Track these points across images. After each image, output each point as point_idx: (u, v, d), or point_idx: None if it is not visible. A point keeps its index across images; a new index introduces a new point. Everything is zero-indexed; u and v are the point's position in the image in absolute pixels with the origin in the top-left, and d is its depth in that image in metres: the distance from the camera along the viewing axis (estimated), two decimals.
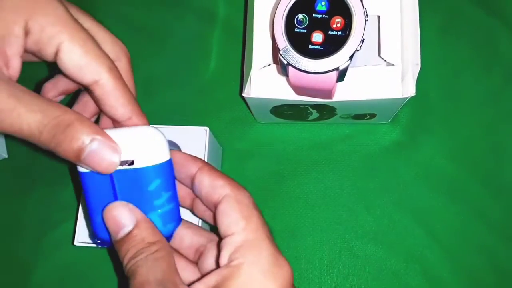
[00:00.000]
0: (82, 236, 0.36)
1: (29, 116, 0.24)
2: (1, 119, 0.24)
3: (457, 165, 0.43)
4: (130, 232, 0.26)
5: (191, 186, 0.28)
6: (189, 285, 0.25)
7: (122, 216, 0.26)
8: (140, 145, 0.26)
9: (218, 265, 0.25)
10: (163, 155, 0.27)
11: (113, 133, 0.26)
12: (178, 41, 0.48)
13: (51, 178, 0.44)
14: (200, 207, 0.30)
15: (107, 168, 0.26)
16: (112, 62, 0.27)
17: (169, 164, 0.27)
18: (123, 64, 0.31)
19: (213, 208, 0.27)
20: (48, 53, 0.26)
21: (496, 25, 0.45)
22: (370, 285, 0.41)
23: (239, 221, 0.25)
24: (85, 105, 0.31)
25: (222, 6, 0.48)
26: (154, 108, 0.45)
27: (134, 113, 0.28)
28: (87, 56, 0.26)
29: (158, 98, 0.46)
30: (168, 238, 0.28)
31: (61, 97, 0.32)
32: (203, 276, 0.25)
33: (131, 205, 0.26)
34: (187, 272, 0.29)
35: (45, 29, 0.25)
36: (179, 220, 0.28)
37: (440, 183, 0.42)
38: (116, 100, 0.27)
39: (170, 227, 0.28)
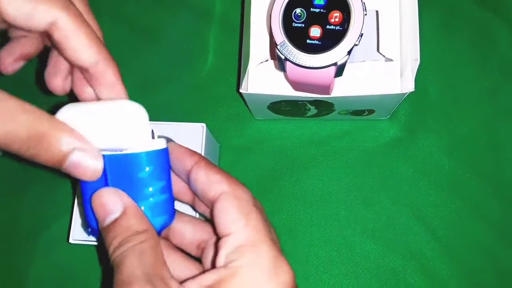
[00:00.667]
0: (77, 234, 0.36)
1: None
2: None
3: (456, 161, 0.42)
4: (116, 219, 0.25)
5: (187, 182, 0.27)
6: (183, 282, 0.24)
7: (110, 202, 0.25)
8: (131, 128, 0.25)
9: (214, 265, 0.24)
10: (158, 143, 0.26)
11: (101, 113, 0.24)
12: (175, 38, 0.47)
13: (46, 176, 0.44)
14: (201, 203, 0.29)
15: (92, 177, 0.24)
16: (66, 0, 0.24)
17: (163, 152, 0.26)
18: (80, 4, 0.27)
19: (210, 205, 0.26)
20: None
21: (495, 22, 0.45)
22: (369, 282, 0.41)
23: (237, 219, 0.24)
24: (56, 65, 0.28)
25: (218, 2, 0.47)
26: (151, 104, 0.44)
27: (101, 56, 0.25)
28: None
29: (155, 95, 0.46)
30: (159, 232, 0.26)
31: (21, 63, 0.29)
32: (200, 274, 0.24)
33: (120, 191, 0.25)
34: (186, 269, 0.28)
35: None
36: (172, 214, 0.27)
37: (439, 179, 0.42)
38: (78, 41, 0.24)
39: (160, 220, 0.26)
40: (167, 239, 0.29)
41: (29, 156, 0.23)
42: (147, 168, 0.26)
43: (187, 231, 0.29)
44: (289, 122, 0.44)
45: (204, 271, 0.25)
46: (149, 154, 0.25)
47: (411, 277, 0.41)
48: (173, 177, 0.28)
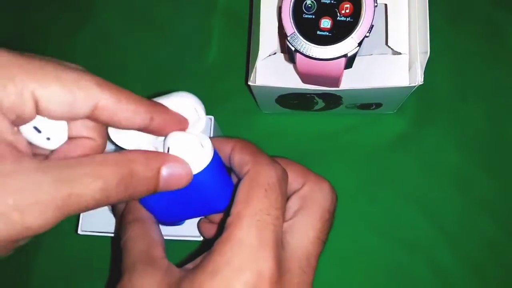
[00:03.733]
0: (86, 225, 0.36)
1: (88, 190, 0.21)
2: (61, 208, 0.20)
3: (464, 156, 0.42)
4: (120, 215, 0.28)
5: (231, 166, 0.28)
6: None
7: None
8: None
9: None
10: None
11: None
12: (181, 31, 0.47)
13: None
14: None
15: (187, 182, 0.25)
16: (96, 76, 0.23)
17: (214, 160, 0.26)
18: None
19: None
20: (28, 110, 0.20)
21: (505, 16, 0.45)
22: (375, 277, 0.41)
23: (239, 203, 0.24)
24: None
25: None
26: (158, 97, 0.45)
27: (151, 110, 0.24)
28: (67, 85, 0.21)
29: (162, 88, 0.45)
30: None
31: None
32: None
33: None
34: None
35: (7, 86, 0.20)
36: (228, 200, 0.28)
37: (446, 174, 0.42)
38: (127, 111, 0.23)
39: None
40: None
41: (128, 197, 0.22)
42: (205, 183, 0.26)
43: None
44: (296, 116, 0.44)
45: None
46: (202, 173, 0.26)
47: (418, 272, 0.40)
48: None
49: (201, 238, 0.35)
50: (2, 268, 0.43)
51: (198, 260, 0.25)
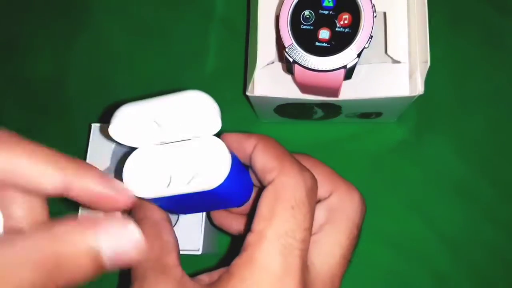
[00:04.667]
0: None
1: None
2: None
3: (465, 164, 0.42)
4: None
5: (250, 165, 0.25)
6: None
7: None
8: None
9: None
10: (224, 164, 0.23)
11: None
12: (180, 40, 0.47)
13: None
14: None
15: (141, 252, 0.21)
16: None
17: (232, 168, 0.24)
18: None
19: None
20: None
21: (505, 23, 0.44)
22: (377, 285, 0.40)
23: (262, 219, 0.22)
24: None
25: (223, 4, 0.47)
26: None
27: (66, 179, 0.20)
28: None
29: (159, 95, 0.45)
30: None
31: None
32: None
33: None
34: None
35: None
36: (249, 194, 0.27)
37: (447, 182, 0.42)
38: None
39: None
40: None
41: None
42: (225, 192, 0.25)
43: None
44: (295, 125, 0.44)
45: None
46: (218, 187, 0.23)
47: (419, 280, 0.40)
48: None
49: (200, 252, 0.34)
50: None
51: (214, 275, 0.23)
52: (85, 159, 0.38)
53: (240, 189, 0.26)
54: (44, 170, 0.18)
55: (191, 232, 0.34)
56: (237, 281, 0.21)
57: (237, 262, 0.22)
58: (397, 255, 0.41)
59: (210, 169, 0.23)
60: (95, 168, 0.21)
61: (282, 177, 0.23)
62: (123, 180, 0.24)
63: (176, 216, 0.35)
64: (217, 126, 0.23)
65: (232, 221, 0.29)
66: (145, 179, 0.24)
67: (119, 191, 0.21)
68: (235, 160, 0.24)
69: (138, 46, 0.48)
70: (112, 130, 0.23)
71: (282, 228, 0.22)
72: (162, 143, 0.25)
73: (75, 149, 0.43)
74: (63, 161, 0.19)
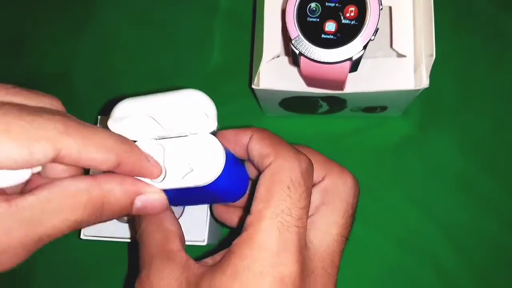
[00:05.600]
0: (88, 230, 0.36)
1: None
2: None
3: (469, 159, 0.42)
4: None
5: (248, 158, 0.26)
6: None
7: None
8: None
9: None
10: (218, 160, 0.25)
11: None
12: (185, 34, 0.47)
13: None
14: None
15: (162, 209, 0.25)
16: (61, 120, 0.21)
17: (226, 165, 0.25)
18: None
19: None
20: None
21: (510, 19, 0.44)
22: (380, 279, 0.40)
23: (260, 201, 0.23)
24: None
25: None
26: None
27: (119, 157, 0.23)
28: (20, 138, 0.19)
29: (164, 89, 0.45)
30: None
31: None
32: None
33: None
34: None
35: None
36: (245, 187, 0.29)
37: (451, 177, 0.42)
38: (91, 160, 0.22)
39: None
40: None
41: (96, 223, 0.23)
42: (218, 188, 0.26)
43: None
44: (300, 119, 0.44)
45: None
46: (213, 182, 0.25)
47: (422, 274, 0.40)
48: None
49: (205, 243, 0.34)
50: (4, 274, 0.43)
51: (217, 256, 0.24)
52: None
53: (235, 184, 0.27)
54: (103, 155, 0.21)
55: (196, 224, 0.35)
56: (237, 259, 0.22)
57: (237, 241, 0.23)
58: (400, 249, 0.41)
59: (204, 165, 0.24)
60: (136, 146, 0.24)
61: (278, 160, 0.24)
62: None
63: (182, 208, 0.35)
64: (213, 125, 0.24)
65: (233, 215, 0.30)
66: None
67: (154, 164, 0.24)
68: (229, 157, 0.25)
69: (144, 41, 0.48)
70: (111, 124, 0.24)
71: (279, 207, 0.23)
72: (159, 138, 0.25)
73: None
74: (118, 143, 0.22)
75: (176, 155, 0.25)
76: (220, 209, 0.31)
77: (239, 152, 0.26)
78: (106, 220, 0.23)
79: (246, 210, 0.27)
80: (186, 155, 0.25)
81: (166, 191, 0.25)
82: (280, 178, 0.23)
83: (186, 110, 0.23)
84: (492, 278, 0.40)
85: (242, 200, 0.29)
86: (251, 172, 0.29)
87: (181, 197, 0.27)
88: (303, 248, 0.23)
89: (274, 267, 0.22)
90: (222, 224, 0.31)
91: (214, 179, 0.24)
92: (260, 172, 0.25)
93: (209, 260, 0.24)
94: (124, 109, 0.24)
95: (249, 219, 0.23)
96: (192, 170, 0.24)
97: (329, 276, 0.25)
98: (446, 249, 0.41)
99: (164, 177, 0.25)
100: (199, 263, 0.24)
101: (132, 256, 0.42)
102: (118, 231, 0.35)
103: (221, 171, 0.24)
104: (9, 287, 0.43)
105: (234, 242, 0.23)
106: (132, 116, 0.24)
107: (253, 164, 0.26)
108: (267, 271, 0.22)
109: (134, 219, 0.27)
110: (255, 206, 0.23)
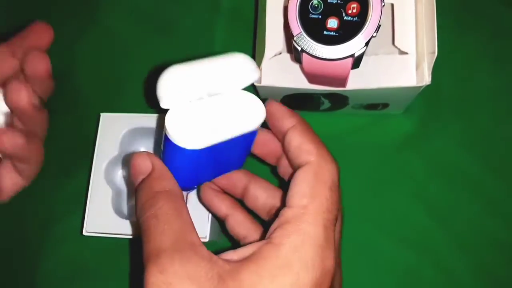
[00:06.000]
0: (91, 226, 0.36)
1: None
2: None
3: (471, 157, 0.42)
4: (143, 179, 0.25)
5: (282, 141, 0.27)
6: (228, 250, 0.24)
7: (141, 164, 0.25)
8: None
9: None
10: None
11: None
12: (186, 31, 0.47)
13: (58, 167, 0.44)
14: (284, 167, 0.29)
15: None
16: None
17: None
18: None
19: (294, 171, 0.26)
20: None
21: None
22: (383, 278, 0.40)
23: (303, 196, 0.23)
24: None
25: None
26: None
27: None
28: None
29: None
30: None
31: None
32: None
33: (151, 155, 0.26)
34: (246, 229, 0.29)
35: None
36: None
37: (454, 175, 0.42)
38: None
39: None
40: (242, 200, 0.31)
41: None
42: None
43: (260, 195, 0.30)
44: (302, 116, 0.44)
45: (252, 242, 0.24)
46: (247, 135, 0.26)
47: (426, 273, 0.40)
48: (262, 135, 0.29)
49: (207, 240, 0.34)
50: (7, 269, 0.43)
51: (244, 251, 0.23)
52: (93, 148, 0.38)
53: (249, 149, 0.29)
54: None
55: (198, 220, 0.35)
56: (288, 251, 0.22)
57: (282, 233, 0.23)
58: (403, 248, 0.41)
59: (248, 115, 0.26)
60: None
61: (321, 160, 0.25)
62: (169, 133, 0.24)
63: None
64: (254, 77, 0.27)
65: (222, 204, 0.31)
66: (190, 131, 0.24)
67: None
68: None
69: (146, 39, 0.48)
70: (165, 101, 0.25)
71: (323, 205, 0.24)
72: (199, 98, 0.26)
73: (83, 138, 0.43)
74: None
75: (219, 111, 0.26)
76: (210, 194, 0.31)
77: (274, 128, 0.28)
78: None
79: (282, 203, 0.28)
80: (229, 110, 0.26)
81: (206, 153, 0.25)
82: (324, 179, 0.24)
83: (235, 75, 0.26)
84: (496, 277, 0.40)
85: (230, 187, 0.31)
86: (268, 155, 0.30)
87: (214, 159, 0.27)
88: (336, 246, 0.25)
89: (322, 260, 0.22)
90: (208, 210, 0.32)
91: (259, 125, 0.26)
92: (292, 164, 0.26)
93: (231, 255, 0.23)
94: (175, 75, 0.26)
95: (291, 212, 0.23)
96: (236, 122, 0.25)
97: (339, 268, 0.27)
98: (449, 247, 0.41)
99: (215, 130, 0.25)
100: (223, 258, 0.23)
101: (134, 253, 0.42)
102: (120, 227, 0.35)
103: (263, 118, 0.26)
104: (12, 283, 0.43)
105: (275, 234, 0.23)
106: (183, 81, 0.25)
107: (284, 150, 0.27)
108: (317, 264, 0.22)
109: (136, 215, 0.26)
110: (299, 200, 0.24)
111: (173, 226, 0.22)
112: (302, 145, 0.25)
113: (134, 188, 0.26)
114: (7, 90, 0.31)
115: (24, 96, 0.31)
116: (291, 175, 0.25)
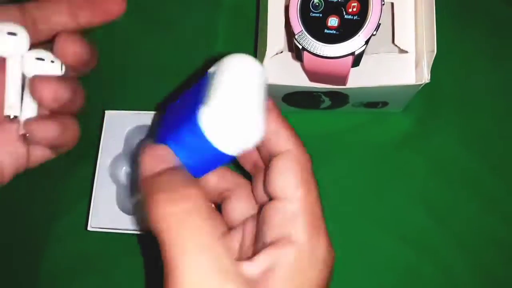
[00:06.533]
0: (96, 221, 0.36)
1: None
2: None
3: (470, 155, 0.42)
4: (167, 170, 0.22)
5: None
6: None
7: (165, 154, 0.23)
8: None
9: (259, 227, 0.23)
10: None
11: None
12: (188, 28, 0.48)
13: (63, 162, 0.44)
14: (246, 155, 0.28)
15: None
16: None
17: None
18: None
19: (267, 158, 0.25)
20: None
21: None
22: (383, 276, 0.41)
23: (296, 186, 0.23)
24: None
25: None
26: (163, 92, 0.45)
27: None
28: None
29: (168, 85, 0.46)
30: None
31: None
32: (254, 255, 0.22)
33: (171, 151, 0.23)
34: None
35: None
36: None
37: (453, 173, 0.42)
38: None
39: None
40: None
41: None
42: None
43: (211, 179, 0.28)
44: (302, 114, 0.44)
45: (260, 248, 0.23)
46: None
47: (425, 271, 0.40)
48: None
49: None
50: (11, 264, 0.44)
51: (263, 261, 0.22)
52: (98, 145, 0.39)
53: None
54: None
55: None
56: (304, 245, 0.22)
57: (287, 232, 0.23)
58: (402, 247, 0.41)
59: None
60: None
61: (299, 149, 0.24)
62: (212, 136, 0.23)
63: None
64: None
65: None
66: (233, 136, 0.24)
67: None
68: None
69: (147, 35, 0.48)
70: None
71: (315, 193, 0.24)
72: None
73: (87, 136, 0.44)
74: None
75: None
76: None
77: None
78: None
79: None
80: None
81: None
82: (307, 167, 0.24)
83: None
84: (494, 274, 0.40)
85: None
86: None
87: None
88: None
89: (330, 253, 0.23)
90: None
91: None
92: (267, 151, 0.25)
93: (251, 269, 0.22)
94: None
95: (290, 206, 0.23)
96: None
97: None
98: (448, 245, 0.41)
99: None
100: (246, 274, 0.21)
101: (144, 248, 0.42)
102: (124, 223, 0.36)
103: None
104: (16, 278, 0.44)
105: (281, 234, 0.23)
106: None
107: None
108: (327, 257, 0.23)
109: (140, 209, 0.26)
110: (295, 192, 0.23)
111: (204, 236, 0.21)
112: (279, 131, 0.25)
113: (146, 176, 0.22)
114: (57, 41, 0.30)
115: (75, 47, 0.31)
116: (266, 163, 0.25)
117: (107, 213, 0.36)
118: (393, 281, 0.41)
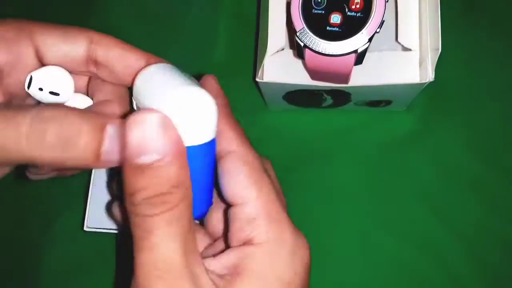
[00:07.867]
0: (92, 222, 0.36)
1: None
2: None
3: (474, 155, 0.42)
4: (155, 162, 0.18)
5: None
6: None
7: (156, 139, 0.19)
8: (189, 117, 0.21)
9: (226, 237, 0.23)
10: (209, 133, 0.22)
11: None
12: (189, 27, 0.47)
13: None
14: None
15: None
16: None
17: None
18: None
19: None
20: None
21: None
22: (386, 274, 0.40)
23: (249, 187, 0.22)
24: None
25: None
26: None
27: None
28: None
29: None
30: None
31: None
32: (219, 253, 0.23)
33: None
34: None
35: None
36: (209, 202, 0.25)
37: (457, 173, 0.42)
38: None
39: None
40: None
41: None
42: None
43: None
44: (304, 113, 0.44)
45: (224, 249, 0.23)
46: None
47: (428, 270, 0.40)
48: None
49: None
50: (9, 264, 0.43)
51: (227, 260, 0.22)
52: None
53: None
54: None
55: None
56: (290, 236, 0.23)
57: (251, 234, 0.22)
58: (406, 246, 0.41)
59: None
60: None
61: (245, 148, 0.23)
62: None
63: None
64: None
65: None
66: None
67: None
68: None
69: (148, 35, 0.48)
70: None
71: (268, 191, 0.23)
72: None
73: None
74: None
75: None
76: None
77: None
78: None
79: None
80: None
81: None
82: (254, 165, 0.23)
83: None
84: (498, 274, 0.40)
85: None
86: None
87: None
88: None
89: (301, 248, 0.23)
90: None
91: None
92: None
93: (215, 265, 0.22)
94: None
95: (250, 209, 0.22)
96: None
97: None
98: (452, 246, 0.40)
99: None
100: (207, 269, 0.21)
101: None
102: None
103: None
104: (13, 278, 0.43)
105: (243, 237, 0.22)
106: None
107: None
108: (297, 250, 0.23)
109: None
110: (248, 195, 0.22)
111: (184, 238, 0.20)
112: (223, 132, 0.23)
113: (128, 163, 0.19)
114: None
115: None
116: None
117: (103, 213, 0.36)
118: (395, 279, 0.40)
